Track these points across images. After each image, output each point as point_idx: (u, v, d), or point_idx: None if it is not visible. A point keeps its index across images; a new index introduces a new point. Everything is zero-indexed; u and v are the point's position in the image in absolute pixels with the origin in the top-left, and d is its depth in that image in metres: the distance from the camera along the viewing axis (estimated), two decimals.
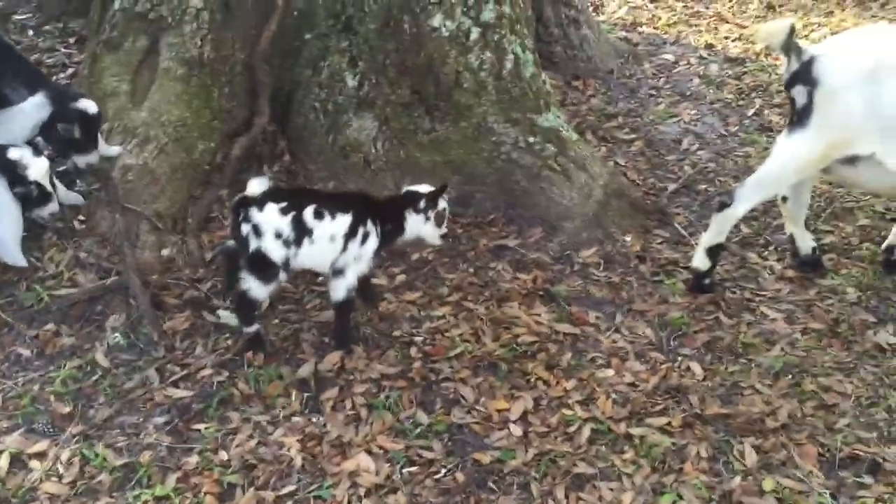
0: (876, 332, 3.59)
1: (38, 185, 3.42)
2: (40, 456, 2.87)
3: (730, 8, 7.10)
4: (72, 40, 5.18)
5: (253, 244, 3.13)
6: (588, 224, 4.10)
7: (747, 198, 3.67)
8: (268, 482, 2.84)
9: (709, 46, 6.35)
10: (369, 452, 2.95)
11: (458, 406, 3.16)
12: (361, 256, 3.28)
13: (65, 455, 2.87)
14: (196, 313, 3.44)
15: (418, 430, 3.05)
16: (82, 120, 3.63)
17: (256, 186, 3.14)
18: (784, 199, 3.82)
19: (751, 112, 5.39)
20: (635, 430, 3.06)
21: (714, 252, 3.76)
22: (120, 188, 3.70)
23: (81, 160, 3.71)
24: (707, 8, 7.12)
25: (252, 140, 4.17)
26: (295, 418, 3.07)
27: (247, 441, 2.97)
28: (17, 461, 2.86)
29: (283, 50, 4.26)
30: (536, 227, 4.12)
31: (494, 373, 3.30)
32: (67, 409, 3.04)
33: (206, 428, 3.00)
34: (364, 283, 3.39)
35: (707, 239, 3.75)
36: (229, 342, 3.33)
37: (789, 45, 3.45)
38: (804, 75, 3.44)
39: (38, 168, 3.41)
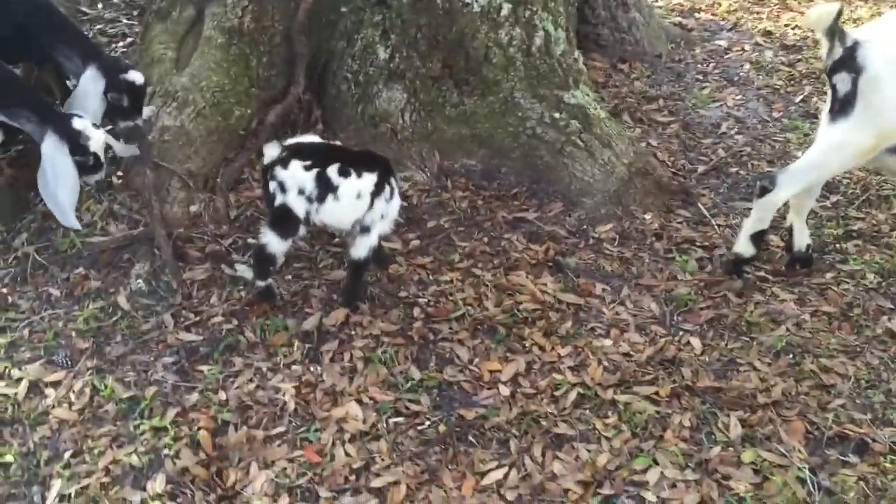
0: (891, 318, 3.51)
1: (95, 155, 3.64)
2: (56, 385, 3.10)
3: None
4: (135, 12, 5.47)
5: (278, 199, 3.29)
6: (608, 200, 4.12)
7: (789, 184, 3.57)
8: (260, 422, 3.00)
9: (766, 33, 6.22)
10: (359, 402, 3.07)
11: (452, 365, 3.26)
12: (388, 214, 3.40)
13: (78, 385, 3.09)
14: (215, 266, 3.62)
15: (409, 384, 3.15)
16: (130, 90, 3.85)
17: (271, 151, 3.31)
18: None
19: (798, 99, 5.28)
20: (621, 397, 3.10)
21: (757, 238, 3.68)
22: (156, 147, 3.92)
23: (124, 124, 3.96)
24: None
25: (287, 108, 4.32)
26: (294, 366, 3.22)
27: (246, 384, 3.13)
28: (35, 388, 3.10)
29: (320, 22, 4.41)
30: (557, 202, 4.17)
31: (492, 336, 3.37)
32: (86, 345, 3.26)
33: (209, 370, 3.18)
34: (367, 269, 3.50)
35: (749, 225, 3.68)
36: (242, 294, 3.50)
37: (833, 30, 3.37)
38: (848, 62, 3.36)
39: (97, 140, 3.61)
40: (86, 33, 4.48)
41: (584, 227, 4.03)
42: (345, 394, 3.11)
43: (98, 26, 5.26)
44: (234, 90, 4.24)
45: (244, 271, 3.58)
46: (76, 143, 3.54)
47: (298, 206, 3.25)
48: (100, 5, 5.67)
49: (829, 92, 3.49)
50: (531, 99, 4.29)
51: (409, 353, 3.29)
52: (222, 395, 3.08)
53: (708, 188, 4.39)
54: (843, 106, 3.40)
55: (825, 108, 3.55)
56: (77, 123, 3.56)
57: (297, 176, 3.23)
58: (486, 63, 4.27)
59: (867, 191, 4.34)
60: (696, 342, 3.38)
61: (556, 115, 4.27)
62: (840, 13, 3.35)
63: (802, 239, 3.79)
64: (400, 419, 3.03)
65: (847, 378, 3.21)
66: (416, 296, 3.55)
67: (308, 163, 3.24)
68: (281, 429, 2.98)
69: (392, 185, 3.39)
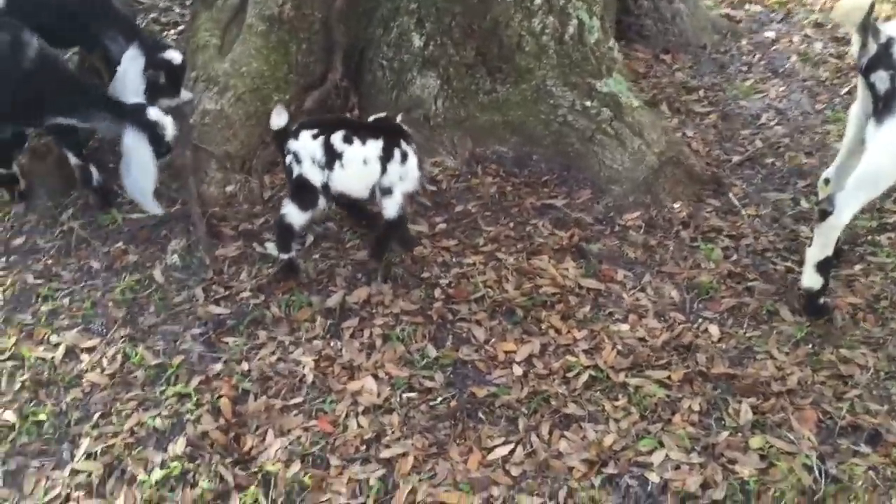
0: None
1: (168, 143, 3.82)
2: (90, 350, 3.29)
3: None
4: (188, 1, 5.67)
5: (295, 171, 3.42)
6: (636, 189, 4.12)
7: (850, 202, 3.34)
8: (279, 392, 3.12)
9: (817, 25, 6.09)
10: (375, 377, 3.17)
11: (468, 344, 3.32)
12: (407, 175, 3.48)
13: (110, 352, 3.27)
14: (247, 243, 3.76)
15: (425, 361, 3.23)
16: (168, 68, 4.02)
17: (276, 117, 3.43)
18: (826, 181, 3.59)
19: (844, 91, 5.17)
20: (632, 380, 3.12)
21: (824, 267, 3.44)
22: (196, 129, 4.08)
23: (165, 103, 4.13)
24: None
25: (324, 94, 4.45)
26: (315, 341, 3.32)
27: (268, 356, 3.26)
28: (71, 353, 3.28)
29: (358, 10, 4.52)
30: (586, 189, 4.19)
31: (510, 318, 3.43)
32: (120, 315, 3.44)
33: (234, 341, 3.32)
34: (402, 226, 3.60)
35: (814, 254, 3.39)
36: (270, 271, 3.63)
37: (867, 26, 3.25)
38: (885, 59, 3.27)
39: (170, 127, 3.78)
40: (131, 17, 4.66)
41: (612, 214, 4.04)
42: (362, 368, 3.20)
43: (152, 15, 5.47)
44: (273, 76, 4.37)
45: (272, 249, 3.70)
46: (154, 133, 3.71)
47: (314, 176, 3.37)
48: None
49: (865, 91, 3.37)
50: (563, 87, 4.32)
51: (428, 331, 3.36)
52: (245, 366, 3.21)
53: (741, 178, 4.35)
54: (886, 104, 3.29)
55: (854, 107, 3.46)
56: (152, 114, 3.71)
57: (308, 146, 3.36)
58: (519, 51, 4.32)
59: None
60: (714, 329, 3.38)
61: (588, 103, 4.29)
62: (872, 7, 3.27)
63: None
64: (413, 394, 3.11)
65: (866, 369, 3.17)
66: (438, 277, 3.62)
67: (315, 131, 3.36)
68: (298, 399, 3.09)
69: (403, 149, 3.46)
